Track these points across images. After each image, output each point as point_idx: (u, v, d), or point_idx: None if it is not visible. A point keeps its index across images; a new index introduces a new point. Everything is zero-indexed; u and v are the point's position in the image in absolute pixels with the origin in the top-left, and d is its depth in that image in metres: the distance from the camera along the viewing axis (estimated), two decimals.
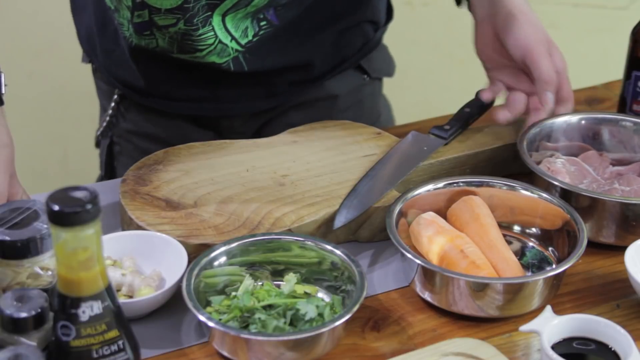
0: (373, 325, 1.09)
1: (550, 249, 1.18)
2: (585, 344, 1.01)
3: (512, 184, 1.20)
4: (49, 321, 0.95)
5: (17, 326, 0.93)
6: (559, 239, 1.16)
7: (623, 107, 1.41)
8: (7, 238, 0.98)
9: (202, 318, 1.00)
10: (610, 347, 1.00)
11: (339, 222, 1.17)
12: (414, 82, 2.55)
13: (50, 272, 1.00)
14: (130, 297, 1.09)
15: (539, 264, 1.16)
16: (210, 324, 1.00)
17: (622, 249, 1.12)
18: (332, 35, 1.41)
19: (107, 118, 1.49)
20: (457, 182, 1.20)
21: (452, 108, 1.37)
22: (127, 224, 1.17)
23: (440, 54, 2.65)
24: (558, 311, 1.06)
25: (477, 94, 1.38)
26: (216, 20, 1.30)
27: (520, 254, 1.18)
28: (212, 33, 1.30)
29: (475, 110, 1.35)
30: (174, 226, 1.15)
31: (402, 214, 1.16)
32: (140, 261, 1.13)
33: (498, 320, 1.09)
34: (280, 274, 1.11)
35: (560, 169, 1.25)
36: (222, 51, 1.32)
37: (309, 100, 1.46)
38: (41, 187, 1.36)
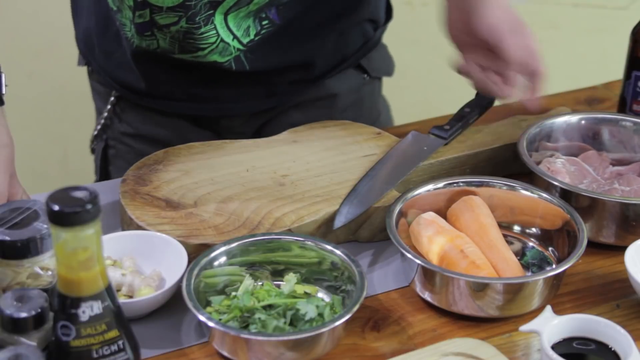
0: (373, 325, 1.09)
1: (550, 249, 1.18)
2: (585, 344, 1.01)
3: (512, 184, 1.20)
4: (49, 321, 0.95)
5: (17, 326, 0.93)
6: (559, 239, 1.16)
7: (623, 107, 1.41)
8: (7, 238, 0.98)
9: (202, 318, 1.00)
10: (610, 347, 1.00)
11: (339, 222, 1.17)
12: (414, 82, 2.55)
13: (50, 272, 1.00)
14: (130, 297, 1.09)
15: (539, 264, 1.16)
16: (210, 324, 1.00)
17: (622, 249, 1.12)
18: (333, 34, 1.41)
19: (102, 121, 1.48)
20: (457, 182, 1.20)
21: (452, 108, 1.37)
22: (127, 224, 1.17)
23: (440, 54, 2.64)
24: (558, 311, 1.06)
25: (477, 94, 1.39)
26: (218, 18, 1.30)
27: (520, 254, 1.18)
28: (214, 32, 1.30)
29: (475, 110, 1.35)
30: (174, 226, 1.15)
31: (402, 214, 1.16)
32: (140, 261, 1.13)
33: (498, 320, 1.09)
34: (280, 274, 1.11)
35: (560, 169, 1.25)
36: (224, 50, 1.32)
37: (309, 100, 1.46)
38: (41, 187, 1.36)
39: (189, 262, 1.09)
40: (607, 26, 2.63)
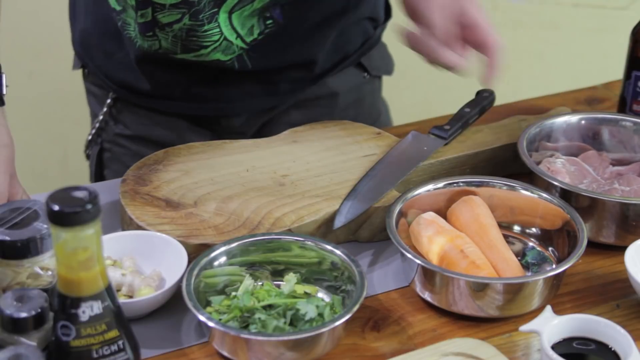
0: (373, 325, 1.09)
1: (550, 249, 1.18)
2: (585, 344, 1.01)
3: (512, 184, 1.20)
4: (49, 321, 0.95)
5: (17, 326, 0.93)
6: (559, 239, 1.16)
7: (623, 107, 1.41)
8: (7, 238, 0.98)
9: (202, 318, 1.00)
10: (610, 347, 1.00)
11: (339, 222, 1.17)
12: (414, 82, 2.55)
13: (50, 272, 1.00)
14: (130, 297, 1.09)
15: (539, 264, 1.16)
16: (210, 324, 1.00)
17: (622, 249, 1.12)
18: (334, 32, 1.41)
19: (97, 124, 1.48)
20: (457, 182, 1.20)
21: (452, 108, 1.37)
22: (127, 224, 1.17)
23: None
24: (558, 311, 1.06)
25: (477, 93, 1.39)
26: (222, 17, 1.30)
27: (521, 254, 1.18)
28: (218, 30, 1.31)
29: (475, 110, 1.35)
30: (174, 226, 1.15)
31: (402, 214, 1.16)
32: (140, 261, 1.13)
33: (498, 320, 1.09)
34: (280, 274, 1.11)
35: (560, 169, 1.25)
36: (227, 48, 1.32)
37: (309, 99, 1.46)
38: (41, 187, 1.36)
39: (189, 262, 1.09)
40: (607, 26, 2.62)
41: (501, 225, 1.18)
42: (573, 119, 1.33)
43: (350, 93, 1.49)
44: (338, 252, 1.09)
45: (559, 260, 1.14)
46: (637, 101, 1.39)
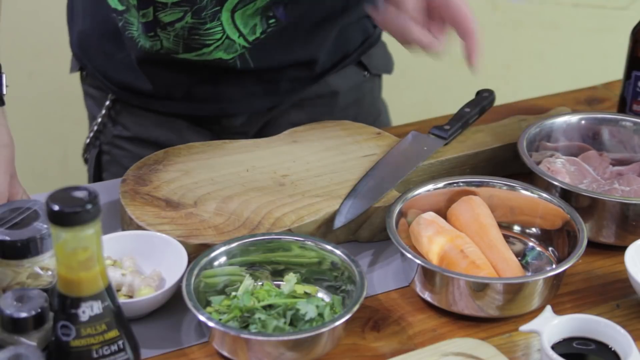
0: (373, 325, 1.09)
1: (550, 249, 1.18)
2: (585, 344, 1.01)
3: (512, 184, 1.20)
4: (49, 321, 0.95)
5: (17, 326, 0.93)
6: (559, 239, 1.16)
7: (623, 107, 1.41)
8: (7, 238, 0.98)
9: (202, 318, 1.00)
10: (610, 347, 1.00)
11: (339, 222, 1.17)
12: (414, 82, 2.55)
13: (50, 272, 1.00)
14: (130, 297, 1.09)
15: (539, 264, 1.16)
16: (210, 324, 1.00)
17: (622, 249, 1.12)
18: (335, 31, 1.41)
19: (96, 127, 1.48)
20: (457, 182, 1.20)
21: (452, 108, 1.37)
22: (127, 224, 1.17)
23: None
24: (558, 311, 1.06)
25: (477, 93, 1.39)
26: (225, 15, 1.30)
27: (521, 254, 1.18)
28: (220, 28, 1.31)
29: (475, 110, 1.35)
30: (174, 226, 1.15)
31: (402, 214, 1.16)
32: (140, 261, 1.13)
33: (498, 320, 1.09)
34: (280, 274, 1.11)
35: (560, 169, 1.25)
36: (229, 47, 1.33)
37: (310, 98, 1.46)
38: (41, 187, 1.36)
39: (189, 262, 1.09)
40: (607, 26, 2.63)
41: (501, 225, 1.18)
42: (573, 119, 1.33)
43: (351, 92, 1.49)
44: (338, 252, 1.09)
45: (559, 260, 1.14)
46: (637, 101, 1.39)
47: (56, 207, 0.86)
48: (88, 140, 1.50)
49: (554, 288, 1.09)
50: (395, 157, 1.27)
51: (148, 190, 1.20)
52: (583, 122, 1.34)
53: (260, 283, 1.10)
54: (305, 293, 1.07)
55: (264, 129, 1.45)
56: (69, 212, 0.86)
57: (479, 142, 1.32)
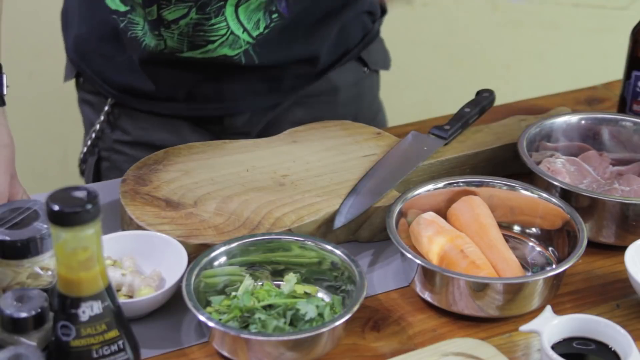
0: (373, 325, 1.09)
1: (550, 249, 1.18)
2: (585, 344, 1.01)
3: (512, 184, 1.20)
4: (49, 321, 0.95)
5: (17, 326, 0.93)
6: (559, 239, 1.16)
7: (623, 107, 1.41)
8: (7, 238, 0.98)
9: (202, 318, 1.00)
10: (610, 347, 1.00)
11: (339, 222, 1.17)
12: (414, 82, 2.55)
13: (50, 272, 1.00)
14: (130, 297, 1.09)
15: (539, 264, 1.16)
16: (210, 324, 1.00)
17: (622, 249, 1.12)
18: (336, 27, 1.42)
19: (94, 134, 1.47)
20: (457, 182, 1.20)
21: (452, 108, 1.37)
22: (127, 224, 1.17)
23: (440, 54, 2.65)
24: (558, 311, 1.06)
25: (477, 93, 1.39)
26: (229, 10, 1.30)
27: (521, 254, 1.18)
28: (224, 24, 1.31)
29: (475, 110, 1.35)
30: (174, 226, 1.15)
31: (402, 214, 1.16)
32: (140, 261, 1.13)
33: (498, 320, 1.09)
34: (280, 274, 1.11)
35: (560, 169, 1.25)
36: (234, 43, 1.33)
37: (311, 95, 1.46)
38: (41, 187, 1.36)
39: (189, 262, 1.09)
40: (607, 26, 2.63)
41: (501, 225, 1.18)
42: (573, 119, 1.33)
43: (351, 88, 1.50)
44: (338, 252, 1.09)
45: (559, 260, 1.14)
46: (637, 101, 1.39)
47: (56, 207, 0.86)
48: (85, 149, 1.49)
49: (554, 288, 1.09)
50: (395, 157, 1.27)
51: (148, 190, 1.20)
52: (583, 122, 1.34)
53: (260, 283, 1.10)
54: (305, 293, 1.07)
55: (267, 129, 1.45)
56: (69, 212, 0.86)
57: (479, 142, 1.32)
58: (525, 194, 1.19)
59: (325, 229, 1.18)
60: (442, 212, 1.19)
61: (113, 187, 1.26)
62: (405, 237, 1.15)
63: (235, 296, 1.06)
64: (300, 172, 1.26)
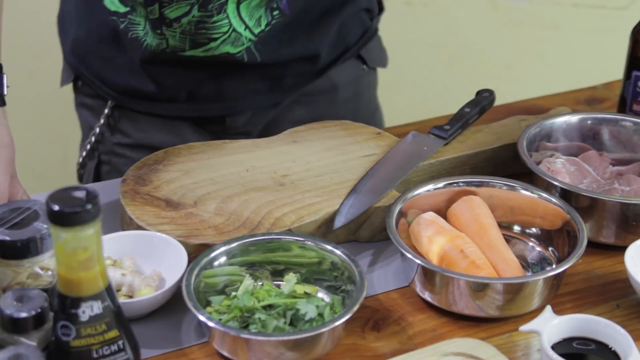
0: (373, 325, 1.09)
1: (550, 249, 1.18)
2: (585, 344, 1.01)
3: (512, 184, 1.20)
4: (49, 321, 0.95)
5: (17, 326, 0.93)
6: (559, 239, 1.16)
7: (623, 107, 1.41)
8: (7, 238, 0.98)
9: (202, 318, 1.00)
10: (610, 347, 1.00)
11: (339, 222, 1.17)
12: (414, 82, 2.55)
13: (50, 272, 1.00)
14: (130, 297, 1.09)
15: (539, 264, 1.16)
16: (210, 324, 1.00)
17: (622, 249, 1.12)
18: (336, 24, 1.42)
19: (93, 138, 1.47)
20: (457, 182, 1.20)
21: (452, 108, 1.37)
22: (127, 224, 1.17)
23: (440, 54, 2.65)
24: (558, 311, 1.06)
25: (477, 93, 1.39)
26: (231, 7, 1.30)
27: (521, 254, 1.18)
28: (227, 21, 1.31)
29: (475, 110, 1.35)
30: (174, 226, 1.15)
31: (402, 214, 1.16)
32: (140, 261, 1.13)
33: (498, 320, 1.09)
34: (280, 274, 1.11)
35: (560, 169, 1.25)
36: (236, 40, 1.33)
37: (311, 93, 1.46)
38: (41, 187, 1.36)
39: (189, 262, 1.09)
40: (607, 26, 2.62)
41: (501, 225, 1.18)
42: (573, 119, 1.33)
43: (350, 86, 1.50)
44: (338, 252, 1.09)
45: (559, 260, 1.14)
46: (637, 101, 1.39)
47: (56, 207, 0.86)
48: (85, 153, 1.49)
49: (554, 288, 1.09)
50: (395, 157, 1.27)
51: (148, 190, 1.20)
52: (583, 122, 1.34)
53: (260, 283, 1.10)
54: (305, 293, 1.07)
55: (268, 129, 1.45)
56: (69, 212, 0.86)
57: (479, 142, 1.32)
58: (525, 194, 1.19)
59: (325, 229, 1.18)
60: (442, 212, 1.19)
61: (113, 187, 1.26)
62: (405, 237, 1.15)
63: (235, 296, 1.06)
64: (301, 172, 1.26)
